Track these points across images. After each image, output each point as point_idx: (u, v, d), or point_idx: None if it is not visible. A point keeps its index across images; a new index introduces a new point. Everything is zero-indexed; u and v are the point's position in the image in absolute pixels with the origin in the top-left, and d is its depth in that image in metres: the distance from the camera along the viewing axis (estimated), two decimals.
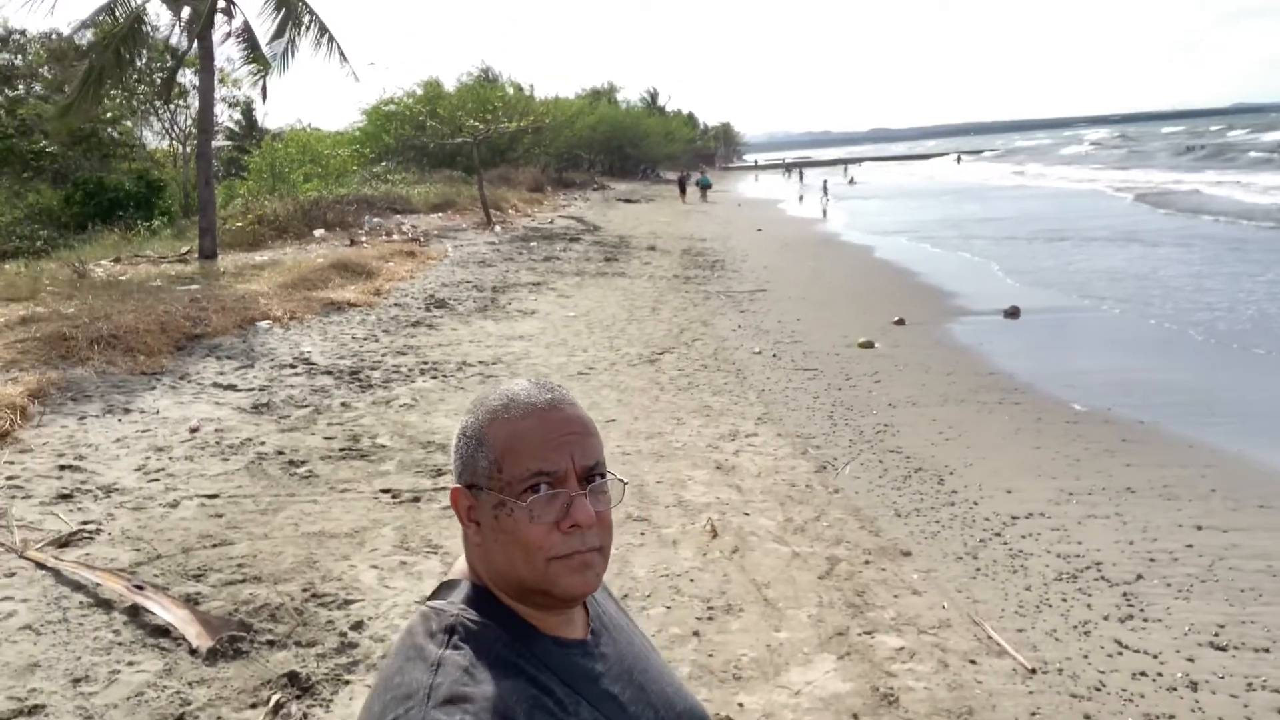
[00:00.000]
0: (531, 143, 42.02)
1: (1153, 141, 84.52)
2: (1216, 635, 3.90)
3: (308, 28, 15.48)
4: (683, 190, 41.30)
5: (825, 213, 31.92)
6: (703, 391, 8.13)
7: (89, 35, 14.57)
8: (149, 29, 15.11)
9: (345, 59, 15.94)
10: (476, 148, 25.52)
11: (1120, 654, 3.78)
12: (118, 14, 14.50)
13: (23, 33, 25.66)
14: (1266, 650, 3.77)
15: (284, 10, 15.11)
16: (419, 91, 39.92)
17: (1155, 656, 3.75)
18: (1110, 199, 31.36)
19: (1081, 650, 3.81)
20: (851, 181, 43.33)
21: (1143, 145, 78.61)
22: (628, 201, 38.94)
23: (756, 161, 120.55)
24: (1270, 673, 3.61)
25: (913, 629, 4.00)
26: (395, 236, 18.95)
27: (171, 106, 27.96)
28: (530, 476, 0.98)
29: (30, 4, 13.00)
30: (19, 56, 25.07)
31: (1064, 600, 4.25)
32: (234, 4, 15.61)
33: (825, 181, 43.02)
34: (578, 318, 11.66)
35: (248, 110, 53.58)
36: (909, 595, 4.32)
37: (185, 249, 16.91)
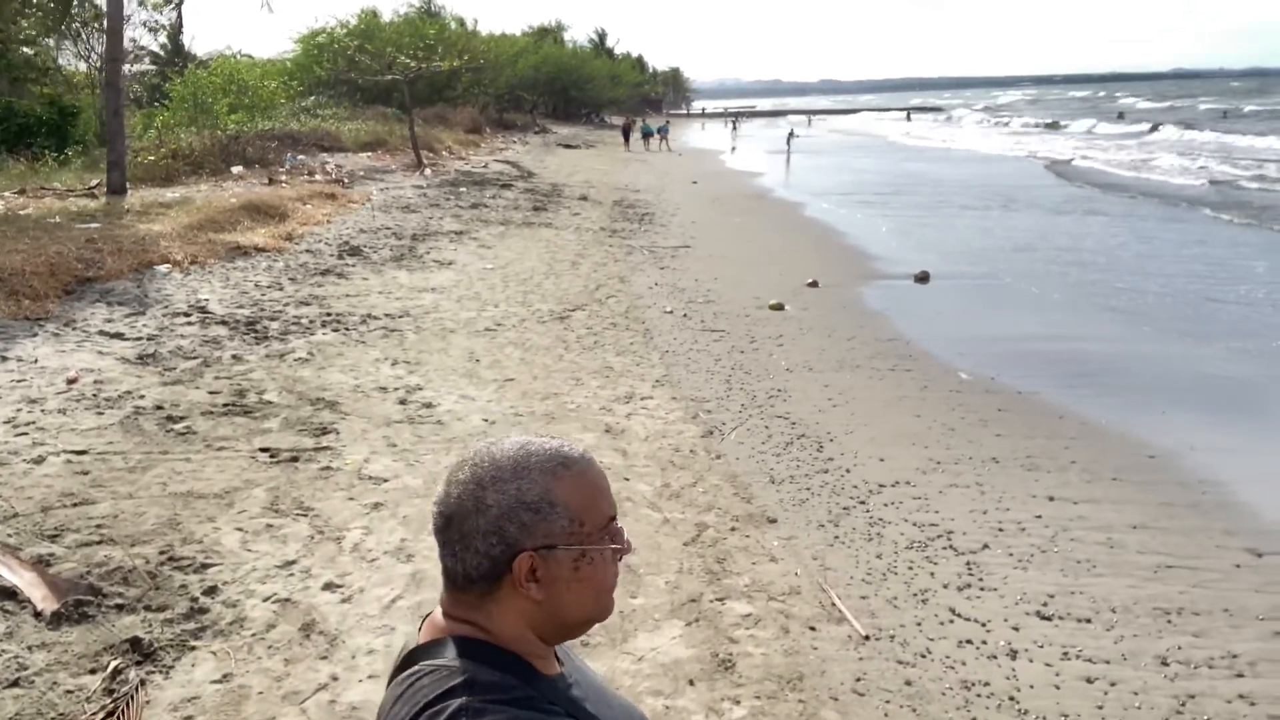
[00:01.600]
0: (471, 82, 41.05)
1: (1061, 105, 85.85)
2: (1045, 605, 4.14)
3: None
4: (626, 138, 40.84)
5: (789, 161, 32.20)
6: (607, 351, 8.19)
7: None
8: None
9: None
10: (408, 86, 24.83)
11: (951, 622, 4.00)
12: None
13: None
14: (1088, 621, 4.02)
15: None
16: (352, 22, 38.61)
17: (984, 625, 3.97)
18: (1033, 166, 31.95)
19: (916, 618, 4.02)
20: (792, 135, 43.18)
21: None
22: (568, 147, 38.43)
23: (704, 110, 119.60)
24: (1087, 642, 3.85)
25: (763, 596, 4.16)
26: (318, 177, 18.46)
27: (86, 28, 26.53)
28: (607, 522, 1.08)
29: None
30: None
31: (910, 569, 4.46)
32: None
33: (792, 131, 43.24)
34: (495, 270, 11.58)
35: (174, 35, 51.11)
36: (766, 562, 4.48)
37: (95, 182, 16.23)
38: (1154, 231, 15.94)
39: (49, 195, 14.84)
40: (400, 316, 8.82)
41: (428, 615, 1.13)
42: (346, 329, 8.19)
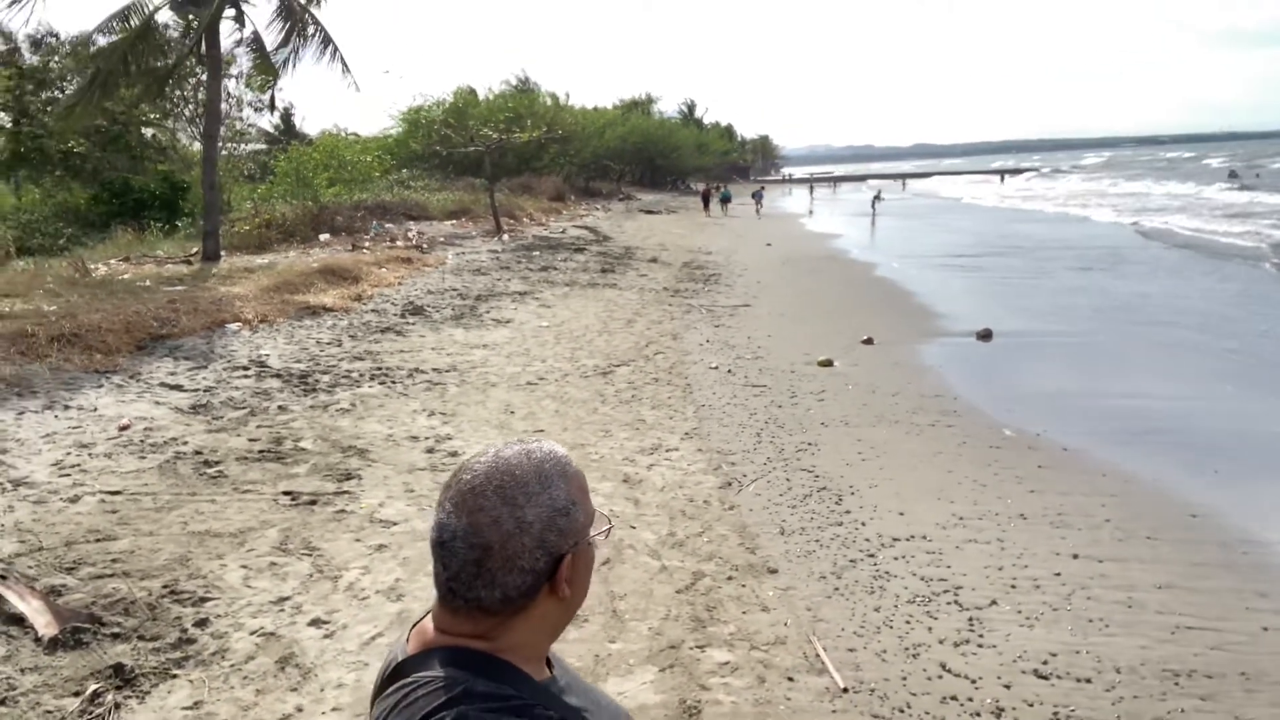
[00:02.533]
0: (557, 152, 42.46)
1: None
2: (1045, 663, 3.92)
3: (312, 37, 15.87)
4: (706, 203, 41.40)
5: (874, 223, 32.20)
6: (643, 405, 8.23)
7: (100, 40, 15.08)
8: (159, 35, 15.56)
9: (347, 69, 16.33)
10: (488, 156, 25.83)
11: (940, 677, 3.82)
12: (131, 21, 15.01)
13: (56, 35, 26.54)
14: (1088, 681, 3.79)
15: (289, 21, 15.52)
16: (449, 100, 40.54)
17: (974, 682, 3.79)
18: (1122, 228, 30.90)
19: (903, 672, 3.86)
20: (877, 198, 42.99)
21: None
22: (649, 213, 39.14)
23: (789, 175, 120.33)
24: (1082, 703, 3.63)
25: (746, 644, 4.07)
26: (399, 243, 19.29)
27: (191, 106, 28.62)
28: (595, 511, 1.15)
29: (15, 4, 13.36)
30: (52, 59, 25.88)
31: (907, 622, 4.29)
32: (244, 13, 16.07)
33: (879, 192, 43.25)
34: (550, 328, 11.82)
35: (287, 115, 54.53)
36: (757, 611, 4.39)
37: (194, 250, 17.39)
38: (1222, 288, 15.17)
39: (149, 262, 15.95)
40: (447, 371, 9.08)
41: (414, 625, 1.12)
42: (392, 382, 8.48)
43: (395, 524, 5.21)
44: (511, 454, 1.08)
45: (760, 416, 7.93)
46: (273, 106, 22.07)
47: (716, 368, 9.86)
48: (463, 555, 1.03)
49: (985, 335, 11.50)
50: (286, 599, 4.29)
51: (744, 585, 4.66)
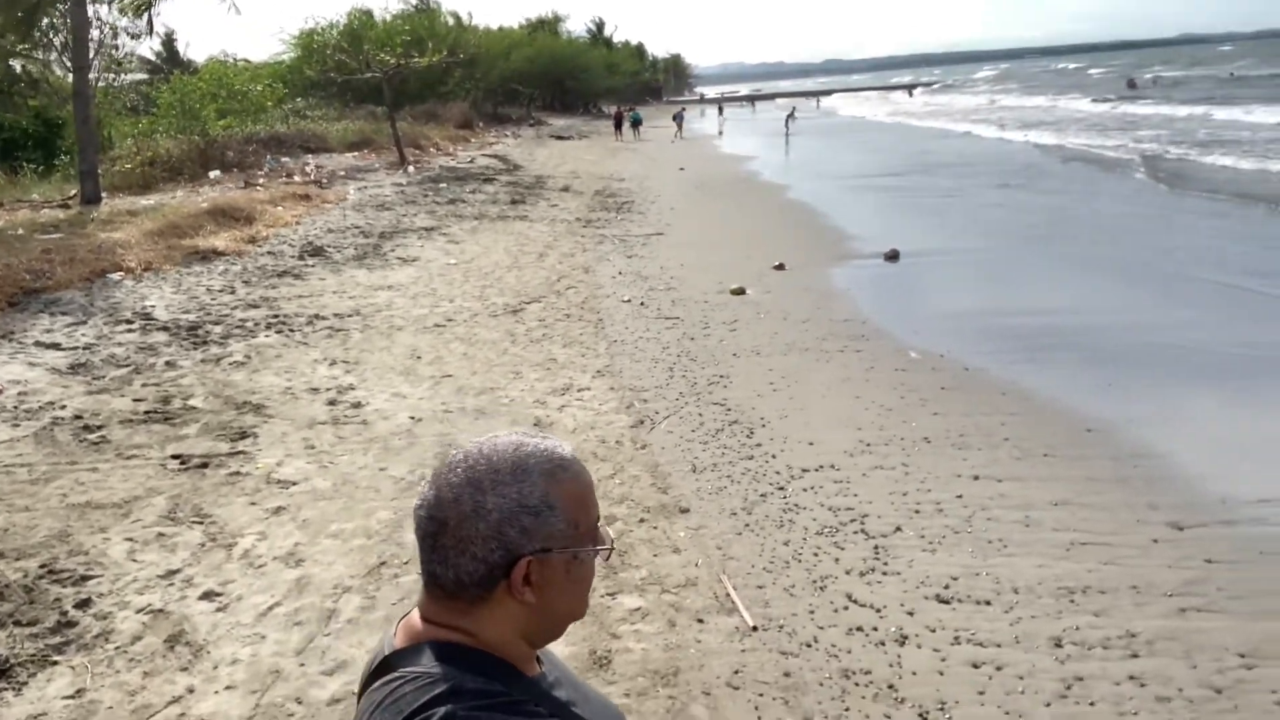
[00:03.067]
0: (462, 77, 40.93)
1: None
2: (946, 588, 4.01)
3: None
4: (618, 127, 40.57)
5: (788, 144, 32.08)
6: (555, 343, 8.08)
7: None
8: None
9: None
10: (388, 83, 24.72)
11: (846, 609, 3.88)
12: None
13: None
14: (988, 603, 3.89)
15: None
16: (343, 22, 38.47)
17: (878, 611, 3.85)
18: (1021, 144, 31.55)
19: (810, 606, 3.90)
20: (791, 118, 42.86)
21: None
22: (560, 138, 38.26)
23: (704, 95, 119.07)
24: (981, 625, 3.73)
25: (657, 589, 4.06)
26: (296, 178, 18.41)
27: (66, 38, 26.51)
28: (596, 523, 1.08)
29: None
30: None
31: (816, 555, 4.34)
32: None
33: (792, 111, 42.96)
34: (458, 265, 11.48)
35: (169, 42, 51.05)
36: (669, 554, 4.38)
37: (72, 193, 16.26)
38: (1116, 204, 15.68)
39: (24, 207, 14.87)
40: (349, 316, 8.75)
41: (402, 618, 1.09)
42: (291, 330, 8.12)
43: (294, 484, 5.01)
44: (503, 441, 1.06)
45: (673, 350, 7.88)
46: (151, 31, 20.41)
47: (629, 301, 9.75)
48: (424, 526, 1.03)
49: (893, 256, 11.62)
50: (176, 572, 4.08)
51: (656, 527, 4.64)
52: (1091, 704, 3.23)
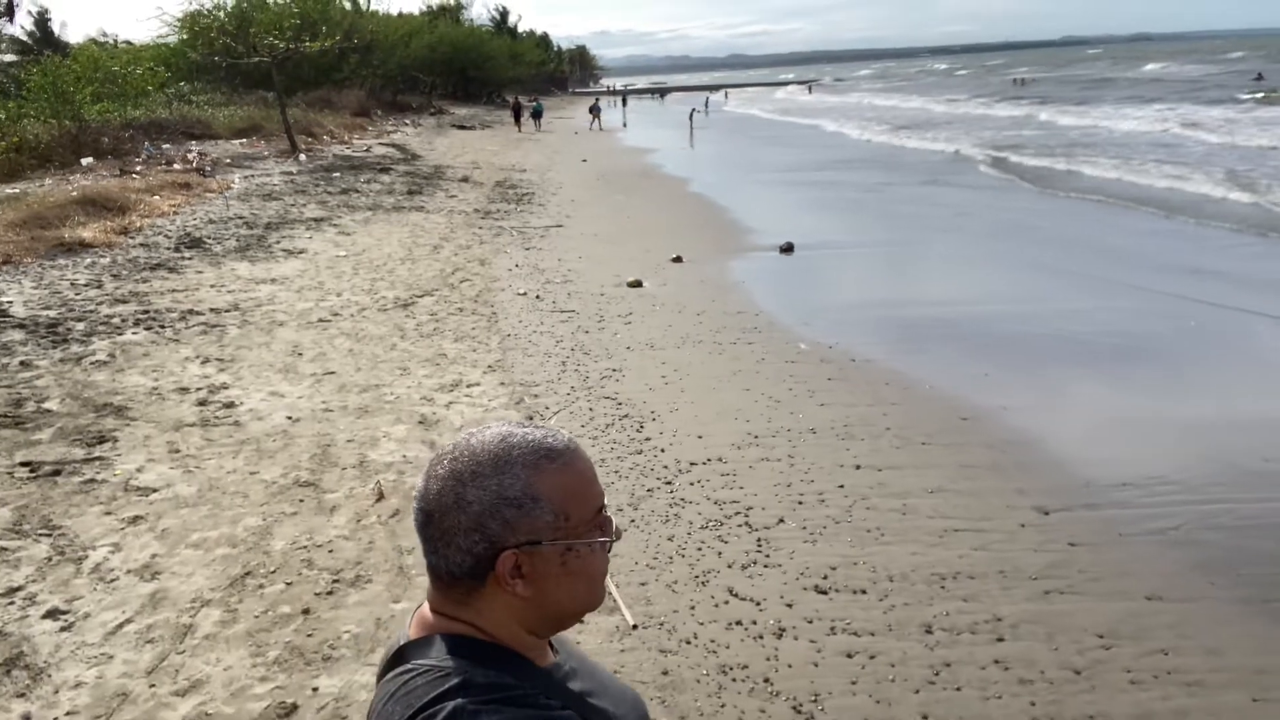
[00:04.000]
0: (359, 63, 39.75)
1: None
2: (825, 578, 4.05)
3: None
4: (517, 118, 39.98)
5: (691, 138, 32.10)
6: (445, 338, 7.89)
7: None
8: None
9: None
10: (277, 69, 23.79)
11: (727, 603, 3.88)
12: None
13: None
14: (863, 592, 3.95)
15: None
16: (230, 3, 36.83)
17: (758, 604, 3.86)
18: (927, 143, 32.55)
19: (692, 602, 3.88)
20: (694, 112, 43.12)
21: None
22: (462, 128, 37.57)
23: (610, 87, 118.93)
24: (857, 615, 3.78)
25: None
26: (177, 166, 17.54)
27: None
28: (594, 514, 1.04)
29: None
30: None
31: (699, 549, 4.33)
32: None
33: (707, 99, 42.93)
34: (348, 258, 11.11)
35: (43, 22, 48.02)
36: None
37: None
38: (1002, 202, 16.33)
39: None
40: (227, 311, 8.35)
41: (417, 608, 1.09)
42: (162, 327, 7.69)
43: (154, 491, 4.73)
44: (491, 433, 1.04)
45: (566, 344, 7.79)
46: (10, 12, 18.99)
47: (524, 294, 9.61)
48: (416, 518, 1.04)
49: (787, 249, 11.79)
50: (18, 589, 3.79)
51: None
52: (958, 689, 3.30)
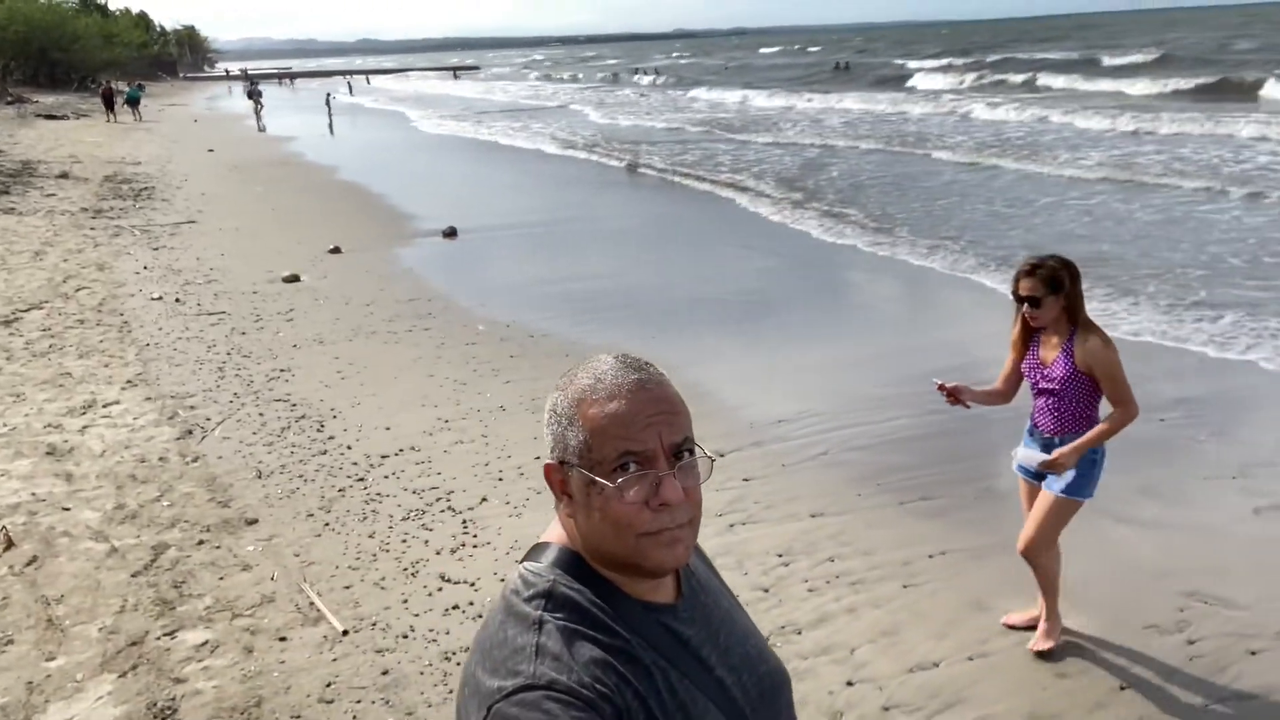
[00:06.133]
0: None
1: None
2: None
3: None
4: (109, 105, 34.61)
5: (332, 124, 29.99)
6: (67, 355, 6.82)
7: None
8: None
9: None
10: None
11: (441, 590, 3.79)
12: None
13: None
14: None
15: None
16: None
17: (473, 585, 3.83)
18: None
19: (403, 596, 3.75)
20: (331, 98, 40.75)
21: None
22: (52, 118, 32.37)
23: (228, 71, 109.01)
24: None
25: (227, 615, 3.60)
26: None
27: None
28: (619, 456, 0.99)
29: None
30: None
31: (404, 541, 4.18)
32: None
33: (351, 85, 39.82)
34: None
35: None
36: (238, 573, 3.91)
37: None
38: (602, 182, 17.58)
39: None
40: None
41: None
42: None
43: None
44: (602, 356, 1.06)
45: (221, 348, 7.08)
46: None
47: (160, 298, 8.57)
48: None
49: (451, 233, 11.66)
50: None
51: (219, 547, 4.12)
52: None
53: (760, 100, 34.85)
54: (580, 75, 68.39)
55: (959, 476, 4.68)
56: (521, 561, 1.09)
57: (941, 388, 3.19)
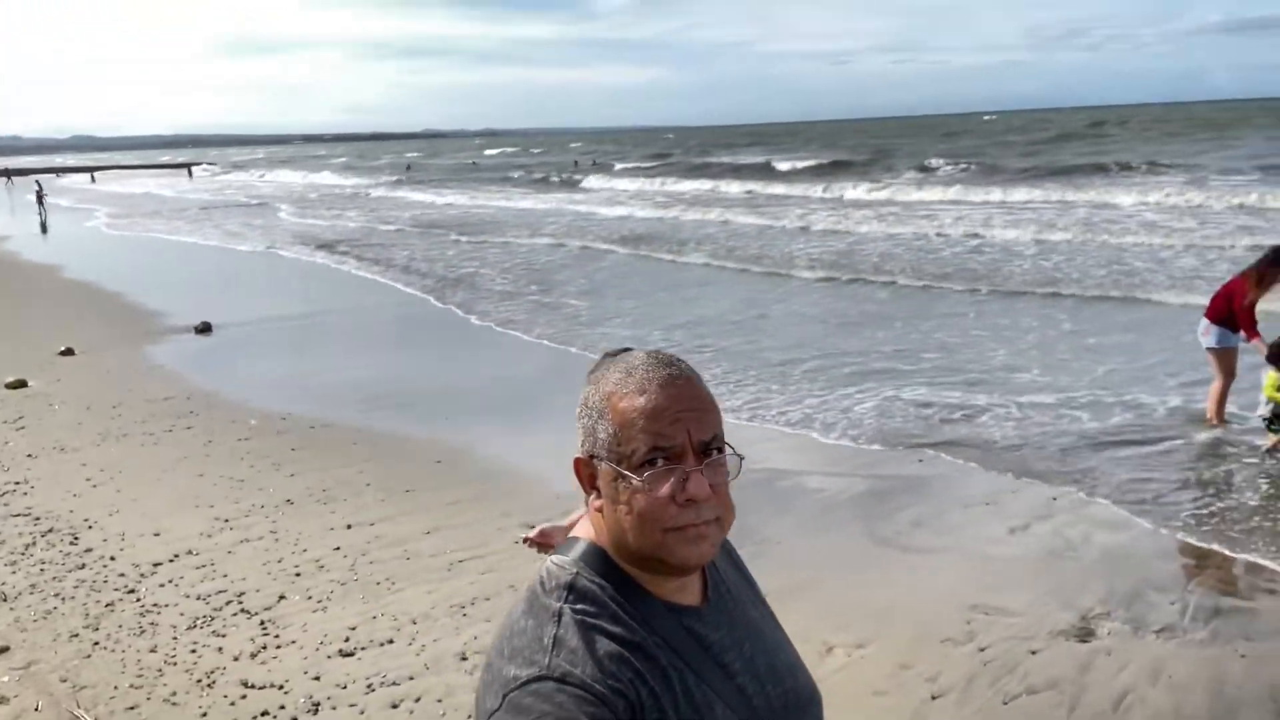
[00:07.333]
0: None
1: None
2: (346, 641, 3.85)
3: None
4: None
5: (45, 226, 27.13)
6: None
7: None
8: None
9: None
10: None
11: (244, 697, 3.45)
12: None
13: None
14: (390, 642, 3.84)
15: None
16: None
17: (281, 687, 3.51)
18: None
19: (201, 709, 3.37)
20: (42, 193, 36.78)
21: None
22: None
23: None
24: (389, 665, 3.66)
25: None
26: None
27: None
28: (647, 451, 0.99)
29: None
30: None
31: (194, 651, 3.77)
32: None
33: (39, 188, 35.65)
34: None
35: None
36: None
37: None
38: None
39: None
40: None
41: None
42: None
43: None
44: (638, 349, 1.09)
45: None
46: None
47: None
48: None
49: (205, 329, 10.86)
50: None
51: None
52: None
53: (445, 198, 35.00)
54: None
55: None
56: (551, 554, 1.10)
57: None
